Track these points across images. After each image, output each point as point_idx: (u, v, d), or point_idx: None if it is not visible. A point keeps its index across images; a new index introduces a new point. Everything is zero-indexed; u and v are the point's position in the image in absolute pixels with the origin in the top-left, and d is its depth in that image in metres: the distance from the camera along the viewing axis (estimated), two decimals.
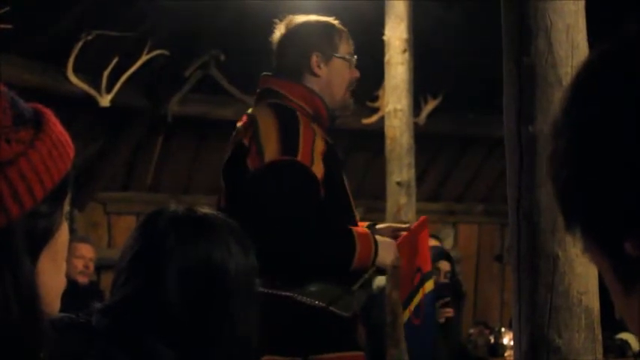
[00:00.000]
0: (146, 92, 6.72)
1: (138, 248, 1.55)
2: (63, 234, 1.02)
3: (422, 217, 2.96)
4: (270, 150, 2.63)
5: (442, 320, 4.47)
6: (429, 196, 8.30)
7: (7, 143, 0.94)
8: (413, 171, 5.06)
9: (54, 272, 1.01)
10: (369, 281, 2.81)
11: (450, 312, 4.50)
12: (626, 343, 5.53)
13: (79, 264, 5.53)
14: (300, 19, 2.91)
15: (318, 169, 2.66)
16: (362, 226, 2.81)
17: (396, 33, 4.99)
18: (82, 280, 5.50)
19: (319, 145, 2.70)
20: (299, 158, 2.63)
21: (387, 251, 2.73)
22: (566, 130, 0.79)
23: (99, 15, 5.91)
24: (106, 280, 6.16)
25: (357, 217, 2.86)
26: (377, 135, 5.44)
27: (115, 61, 6.09)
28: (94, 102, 6.22)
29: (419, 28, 5.15)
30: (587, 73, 0.80)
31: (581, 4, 2.09)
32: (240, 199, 2.67)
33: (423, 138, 6.24)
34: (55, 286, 1.02)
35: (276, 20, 2.93)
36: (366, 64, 3.16)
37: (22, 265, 0.94)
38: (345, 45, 2.89)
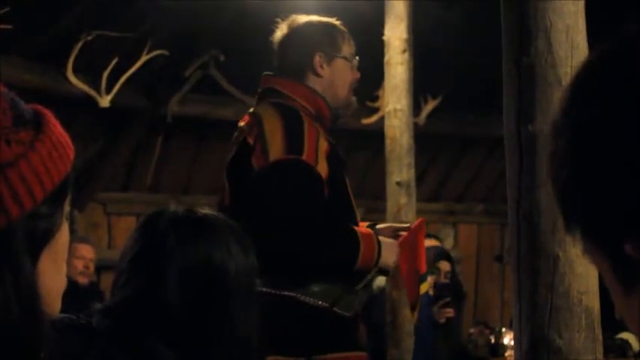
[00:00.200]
0: (146, 92, 6.72)
1: (138, 249, 1.56)
2: (63, 235, 1.02)
3: (419, 219, 2.97)
4: (275, 149, 2.63)
5: (443, 320, 4.47)
6: (429, 197, 8.30)
7: (7, 144, 0.94)
8: (413, 171, 5.05)
9: (54, 273, 1.01)
10: (370, 281, 2.82)
11: (450, 312, 4.51)
12: (626, 343, 5.53)
13: (79, 264, 5.53)
14: (303, 19, 2.91)
15: (323, 169, 2.67)
16: (363, 226, 2.82)
17: (395, 33, 4.99)
18: (83, 280, 5.50)
19: (323, 145, 2.70)
20: (304, 157, 2.63)
21: (389, 252, 2.73)
22: (566, 131, 0.78)
23: (99, 15, 5.91)
24: (106, 281, 6.16)
25: (359, 218, 2.86)
26: (377, 135, 5.44)
27: (114, 61, 6.09)
28: (93, 102, 6.21)
29: (419, 28, 5.14)
30: (587, 73, 0.80)
31: (581, 5, 2.09)
32: (244, 198, 2.67)
33: (423, 138, 6.24)
34: (55, 287, 1.02)
35: (278, 20, 2.93)
36: (366, 64, 3.16)
37: (22, 266, 0.94)
38: (347, 46, 2.89)
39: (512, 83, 2.09)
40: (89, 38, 5.85)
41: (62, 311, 1.10)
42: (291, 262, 2.61)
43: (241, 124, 2.80)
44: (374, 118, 6.88)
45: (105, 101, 6.21)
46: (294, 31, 2.87)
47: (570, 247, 1.98)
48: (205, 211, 1.62)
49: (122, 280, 1.55)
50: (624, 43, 0.77)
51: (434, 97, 7.31)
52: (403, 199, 4.95)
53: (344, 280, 2.69)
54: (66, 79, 6.03)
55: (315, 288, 2.65)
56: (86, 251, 5.64)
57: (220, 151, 2.99)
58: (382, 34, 5.03)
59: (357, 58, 2.92)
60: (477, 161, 8.41)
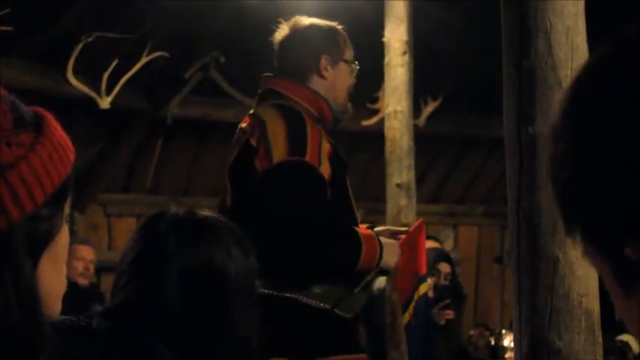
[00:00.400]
0: (146, 94, 6.72)
1: (139, 250, 1.56)
2: (63, 237, 1.02)
3: (419, 220, 2.97)
4: (279, 150, 2.63)
5: (442, 322, 4.47)
6: (429, 198, 8.30)
7: (8, 147, 0.94)
8: (413, 173, 5.06)
9: (55, 275, 1.01)
10: (370, 282, 2.81)
11: (450, 314, 4.50)
12: (626, 345, 5.52)
13: (80, 266, 5.53)
14: (306, 21, 2.90)
15: (325, 170, 2.67)
16: (363, 228, 2.82)
17: (395, 35, 4.99)
18: (83, 282, 5.50)
19: (325, 147, 2.71)
20: (307, 159, 2.64)
21: (391, 253, 2.73)
22: (566, 132, 0.78)
23: (99, 16, 5.91)
24: (107, 282, 6.15)
25: (359, 219, 2.86)
26: (377, 137, 5.44)
27: (114, 63, 6.09)
28: (94, 104, 6.21)
29: (419, 29, 5.15)
30: (587, 75, 0.80)
31: (581, 6, 2.09)
32: (247, 200, 2.67)
33: (423, 139, 6.24)
34: (55, 289, 1.03)
35: (280, 21, 2.92)
36: (366, 65, 3.16)
37: (22, 267, 0.94)
38: (348, 50, 2.90)
39: (512, 85, 2.09)
40: (89, 40, 5.85)
41: (62, 313, 1.10)
42: (294, 263, 2.60)
43: (242, 125, 2.79)
44: (374, 120, 6.88)
45: (105, 103, 6.21)
46: (298, 33, 2.86)
47: (570, 249, 1.98)
48: (206, 213, 1.62)
49: (122, 281, 1.55)
50: (624, 44, 0.77)
51: (434, 99, 7.30)
52: (403, 201, 4.95)
53: (345, 281, 2.70)
54: (66, 80, 6.03)
55: (317, 289, 2.65)
56: (86, 252, 5.63)
57: (221, 153, 2.99)
58: (382, 35, 5.03)
59: (357, 63, 2.92)
60: (477, 162, 8.40)
